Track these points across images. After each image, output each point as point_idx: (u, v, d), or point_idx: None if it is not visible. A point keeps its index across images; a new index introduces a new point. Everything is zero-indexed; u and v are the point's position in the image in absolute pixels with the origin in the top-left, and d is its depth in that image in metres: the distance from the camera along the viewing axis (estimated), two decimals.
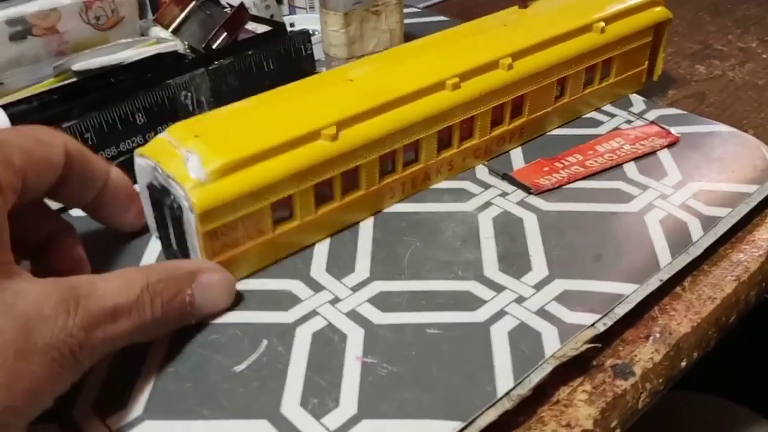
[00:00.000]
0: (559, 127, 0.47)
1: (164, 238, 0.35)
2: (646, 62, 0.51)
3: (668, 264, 0.35)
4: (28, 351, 0.24)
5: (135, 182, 0.36)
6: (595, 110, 0.49)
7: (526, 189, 0.40)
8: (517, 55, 0.42)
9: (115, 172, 0.35)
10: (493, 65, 0.41)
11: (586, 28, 0.46)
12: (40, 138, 0.30)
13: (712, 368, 0.51)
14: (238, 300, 0.33)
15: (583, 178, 0.41)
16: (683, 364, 0.33)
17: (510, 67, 0.41)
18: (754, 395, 0.63)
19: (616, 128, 0.47)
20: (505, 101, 0.42)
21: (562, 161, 0.43)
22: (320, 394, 0.28)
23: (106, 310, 0.26)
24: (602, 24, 0.46)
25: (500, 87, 0.41)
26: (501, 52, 0.42)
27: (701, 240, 0.37)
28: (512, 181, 0.41)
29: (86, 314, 0.25)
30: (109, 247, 0.37)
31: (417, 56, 0.42)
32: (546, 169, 0.42)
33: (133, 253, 0.37)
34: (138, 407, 0.28)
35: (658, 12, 0.49)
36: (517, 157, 0.44)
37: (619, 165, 0.43)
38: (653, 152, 0.44)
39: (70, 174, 0.31)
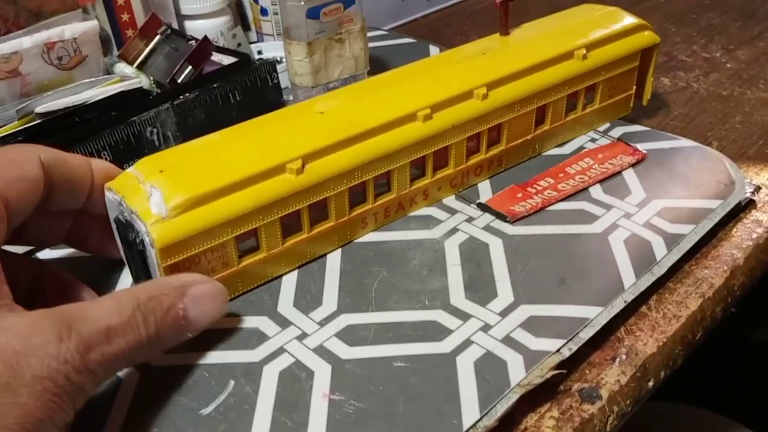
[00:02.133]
0: None
1: (133, 270, 0.35)
2: (634, 87, 0.50)
3: (632, 284, 0.35)
4: (15, 384, 0.24)
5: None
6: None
7: (503, 217, 0.40)
8: (492, 85, 0.42)
9: (97, 163, 0.35)
10: (466, 95, 0.41)
11: (567, 56, 0.45)
12: (12, 158, 0.30)
13: (688, 378, 0.51)
14: (205, 340, 0.33)
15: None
16: (650, 384, 0.33)
17: (485, 96, 0.41)
18: (733, 404, 0.63)
19: (581, 147, 0.47)
20: (480, 131, 0.42)
21: (535, 186, 0.43)
22: None
23: (100, 331, 0.26)
24: (584, 51, 0.45)
25: (474, 117, 0.41)
26: (476, 81, 0.41)
27: (665, 259, 0.37)
28: (487, 209, 0.41)
29: (80, 338, 0.25)
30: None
31: (390, 88, 0.41)
32: (519, 195, 0.42)
33: (107, 285, 0.37)
34: None
35: (646, 36, 0.48)
36: (485, 182, 0.44)
37: (590, 186, 0.43)
38: (622, 170, 0.44)
39: (53, 183, 0.32)
